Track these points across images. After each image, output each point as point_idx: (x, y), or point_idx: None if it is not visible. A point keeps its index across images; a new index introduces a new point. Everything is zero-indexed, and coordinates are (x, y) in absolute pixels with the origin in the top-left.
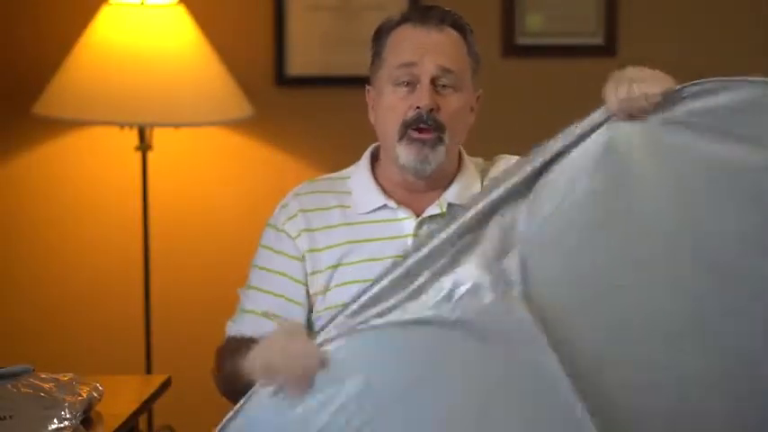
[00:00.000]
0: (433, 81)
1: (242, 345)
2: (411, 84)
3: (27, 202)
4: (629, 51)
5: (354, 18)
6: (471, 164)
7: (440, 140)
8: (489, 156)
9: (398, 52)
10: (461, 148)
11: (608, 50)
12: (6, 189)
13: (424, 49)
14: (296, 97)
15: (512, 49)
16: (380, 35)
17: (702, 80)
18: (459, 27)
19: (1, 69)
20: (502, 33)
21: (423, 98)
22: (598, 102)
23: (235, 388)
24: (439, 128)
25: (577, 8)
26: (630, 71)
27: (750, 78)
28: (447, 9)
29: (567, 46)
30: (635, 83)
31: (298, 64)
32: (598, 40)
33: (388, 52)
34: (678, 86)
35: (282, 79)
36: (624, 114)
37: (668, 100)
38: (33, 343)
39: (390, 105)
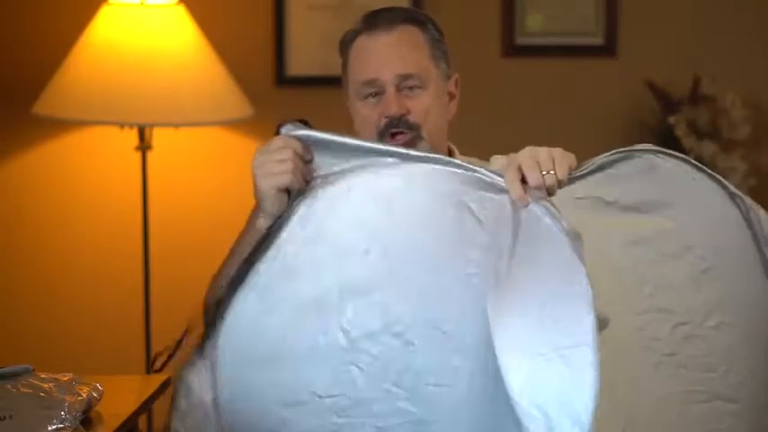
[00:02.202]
0: (397, 87)
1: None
2: (378, 94)
3: (27, 202)
4: (629, 51)
5: (354, 18)
6: (464, 160)
7: (418, 138)
8: (488, 155)
9: (358, 69)
10: (453, 147)
11: (608, 50)
12: (6, 189)
13: (380, 62)
14: (296, 97)
15: (512, 49)
16: (343, 49)
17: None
18: (413, 20)
19: (1, 69)
20: (502, 33)
21: (389, 107)
22: (598, 102)
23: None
24: (413, 128)
25: (577, 8)
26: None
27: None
28: (398, 7)
29: (567, 46)
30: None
31: (298, 64)
32: (598, 40)
33: (350, 68)
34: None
35: (282, 79)
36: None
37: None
38: (33, 343)
39: (362, 118)
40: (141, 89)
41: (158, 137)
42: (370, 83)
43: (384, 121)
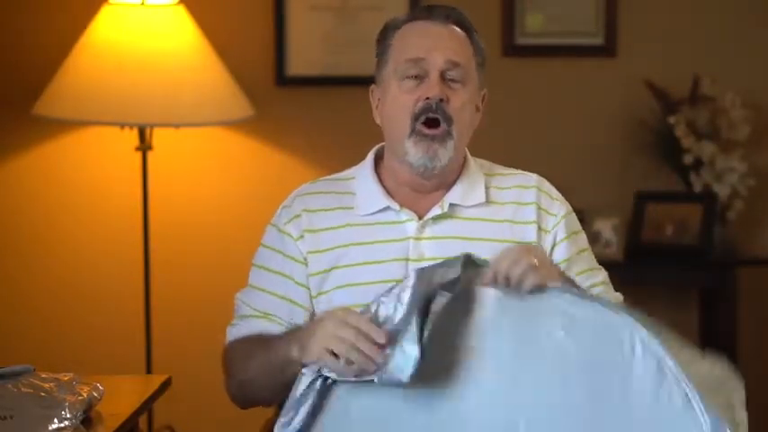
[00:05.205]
0: (442, 74)
1: (254, 344)
2: (419, 77)
3: (27, 202)
4: (629, 51)
5: (354, 18)
6: (475, 164)
7: (449, 135)
8: (491, 157)
9: (406, 48)
10: (466, 149)
11: (608, 50)
12: (6, 189)
13: (432, 44)
14: (296, 97)
15: (512, 49)
16: (386, 34)
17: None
18: (464, 25)
19: (1, 69)
20: (502, 33)
21: (432, 89)
22: (598, 102)
23: (253, 393)
24: (448, 120)
25: (577, 8)
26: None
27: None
28: (452, 7)
29: (567, 46)
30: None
31: (298, 64)
32: (598, 40)
33: (395, 48)
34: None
35: (282, 79)
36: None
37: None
38: (33, 343)
39: (398, 98)
40: (141, 89)
41: (159, 137)
42: (417, 61)
43: (421, 104)
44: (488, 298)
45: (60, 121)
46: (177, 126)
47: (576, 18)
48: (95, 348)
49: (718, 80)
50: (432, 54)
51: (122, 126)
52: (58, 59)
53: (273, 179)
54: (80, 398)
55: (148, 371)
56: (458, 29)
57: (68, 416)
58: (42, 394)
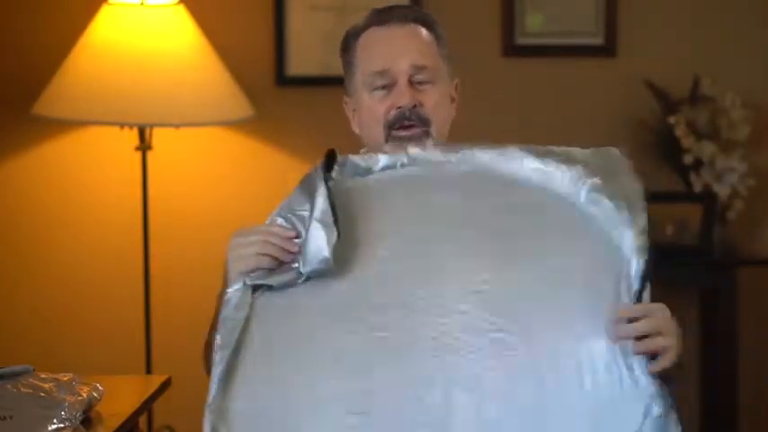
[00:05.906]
0: (410, 79)
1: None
2: (388, 86)
3: (26, 202)
4: (628, 51)
5: (354, 18)
6: None
7: (426, 135)
8: None
9: (369, 59)
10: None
11: (608, 50)
12: (6, 189)
13: (395, 52)
14: (296, 97)
15: (512, 49)
16: (347, 45)
17: None
18: (423, 21)
19: (1, 69)
20: (502, 33)
21: (402, 98)
22: (598, 102)
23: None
24: (424, 122)
25: (577, 8)
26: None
27: None
28: (408, 6)
29: (567, 46)
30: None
31: (298, 64)
32: (598, 40)
33: (359, 60)
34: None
35: (282, 79)
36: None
37: None
38: (33, 343)
39: (370, 110)
40: (141, 89)
41: (158, 137)
42: (383, 73)
43: (394, 113)
44: (377, 181)
45: (60, 121)
46: (177, 126)
47: (576, 18)
48: (95, 348)
49: (719, 80)
50: (396, 62)
51: (122, 126)
52: (58, 59)
53: (273, 179)
54: (80, 398)
55: (148, 371)
56: (419, 26)
57: (68, 416)
58: (42, 394)
